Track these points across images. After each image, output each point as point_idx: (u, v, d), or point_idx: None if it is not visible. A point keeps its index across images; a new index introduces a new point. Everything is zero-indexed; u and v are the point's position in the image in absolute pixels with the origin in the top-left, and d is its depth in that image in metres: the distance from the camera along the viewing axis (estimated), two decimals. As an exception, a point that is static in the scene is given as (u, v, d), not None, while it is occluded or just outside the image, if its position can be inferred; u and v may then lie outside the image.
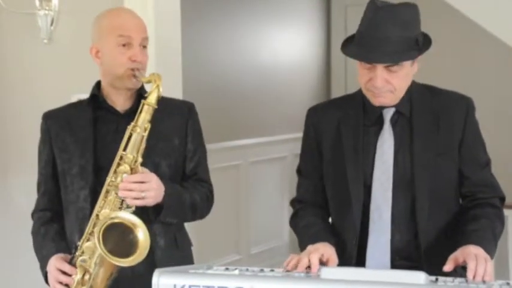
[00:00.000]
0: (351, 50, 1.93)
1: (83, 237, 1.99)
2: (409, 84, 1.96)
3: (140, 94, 2.09)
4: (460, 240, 1.87)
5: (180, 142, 2.14)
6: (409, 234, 1.96)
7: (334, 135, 2.02)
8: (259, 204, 4.88)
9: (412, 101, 1.98)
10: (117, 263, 1.90)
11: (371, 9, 1.89)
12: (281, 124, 5.16)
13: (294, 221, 2.09)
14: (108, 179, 1.98)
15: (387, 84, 1.89)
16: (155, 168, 2.05)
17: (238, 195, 4.74)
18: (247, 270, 1.74)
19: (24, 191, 3.43)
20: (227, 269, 1.76)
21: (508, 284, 1.65)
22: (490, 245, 1.86)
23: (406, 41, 1.87)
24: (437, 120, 1.98)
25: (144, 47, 2.08)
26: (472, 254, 1.77)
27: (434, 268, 1.78)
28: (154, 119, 2.02)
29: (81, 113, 2.13)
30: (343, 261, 1.90)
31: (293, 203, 2.14)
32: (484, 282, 1.70)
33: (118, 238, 1.90)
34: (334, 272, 1.68)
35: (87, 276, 1.97)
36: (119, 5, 3.01)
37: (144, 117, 1.98)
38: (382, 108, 1.97)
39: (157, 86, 1.98)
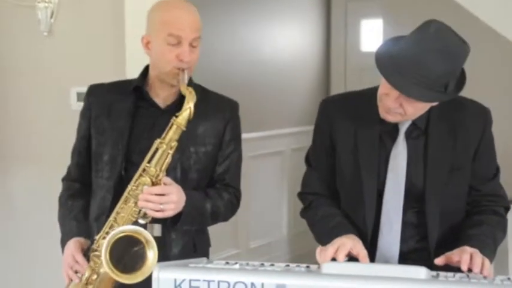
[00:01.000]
0: (386, 70, 1.79)
1: (100, 234, 1.99)
2: (415, 115, 1.88)
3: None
4: (460, 244, 1.87)
5: (213, 147, 2.13)
6: (418, 244, 1.96)
7: (350, 135, 1.97)
8: (257, 198, 4.87)
9: (430, 112, 1.91)
10: (119, 280, 1.89)
11: (425, 32, 1.77)
12: (280, 118, 5.15)
13: (308, 213, 2.06)
14: (129, 187, 1.98)
15: (399, 108, 1.83)
16: (184, 172, 2.06)
17: (238, 190, 4.73)
18: (247, 264, 1.73)
19: (25, 187, 3.43)
20: (227, 263, 1.76)
21: (509, 279, 1.65)
22: (488, 250, 1.85)
23: (443, 82, 1.76)
24: (454, 132, 1.93)
25: (195, 46, 2.04)
26: (467, 251, 1.77)
27: None
28: (193, 120, 2.01)
29: (123, 99, 2.11)
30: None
31: (303, 195, 2.11)
32: (485, 278, 1.70)
33: (126, 250, 1.89)
34: (336, 266, 1.68)
35: (94, 277, 1.98)
36: (120, -3, 3.01)
37: (171, 136, 1.98)
38: None
39: (190, 108, 1.96)
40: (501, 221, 1.99)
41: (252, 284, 1.59)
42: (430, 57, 1.73)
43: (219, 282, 1.61)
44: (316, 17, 5.70)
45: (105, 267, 1.87)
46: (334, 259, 1.77)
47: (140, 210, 1.97)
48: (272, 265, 1.73)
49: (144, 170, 1.97)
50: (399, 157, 1.93)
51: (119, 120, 2.09)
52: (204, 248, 2.23)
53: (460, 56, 1.77)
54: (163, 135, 1.98)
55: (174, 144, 1.98)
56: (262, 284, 1.59)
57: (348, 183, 1.99)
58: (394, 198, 1.93)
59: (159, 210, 1.96)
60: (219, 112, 2.15)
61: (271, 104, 5.06)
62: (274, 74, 5.11)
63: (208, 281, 1.61)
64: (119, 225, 1.96)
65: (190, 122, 2.00)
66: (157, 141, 1.98)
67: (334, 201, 2.05)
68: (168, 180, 1.99)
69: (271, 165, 5.08)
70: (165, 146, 1.97)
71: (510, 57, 4.49)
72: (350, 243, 1.81)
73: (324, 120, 2.04)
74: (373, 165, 1.94)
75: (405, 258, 1.94)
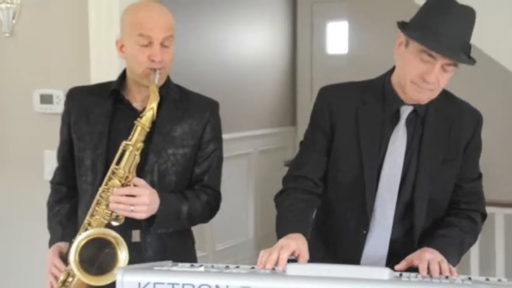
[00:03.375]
0: (421, 36, 1.83)
1: (77, 236, 1.98)
2: (440, 90, 1.93)
3: (159, 92, 2.05)
4: (426, 242, 1.89)
5: (192, 149, 2.12)
6: (404, 231, 1.98)
7: (352, 120, 1.99)
8: (224, 200, 4.85)
9: (429, 103, 1.96)
10: (90, 283, 1.91)
11: (443, 2, 1.85)
12: (247, 120, 5.16)
13: (278, 199, 2.05)
14: (100, 189, 1.99)
15: (436, 82, 1.86)
16: (161, 175, 2.06)
17: (204, 192, 4.72)
18: (212, 267, 1.73)
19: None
20: (192, 265, 1.76)
21: (469, 278, 1.68)
22: (452, 254, 1.87)
23: (468, 44, 1.86)
24: (450, 125, 1.98)
25: (167, 46, 2.02)
26: (425, 260, 1.78)
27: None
28: (171, 121, 2.04)
29: (101, 103, 2.11)
30: (347, 248, 1.97)
31: (286, 179, 2.08)
32: (447, 277, 1.72)
33: (97, 252, 1.92)
34: (300, 268, 1.68)
35: (70, 279, 1.99)
36: (82, -2, 2.98)
37: (137, 138, 1.98)
38: (400, 104, 1.96)
39: (152, 109, 1.98)
40: (474, 228, 2.01)
41: (217, 286, 1.59)
42: (459, 22, 1.83)
43: (183, 285, 1.61)
44: (282, 19, 5.73)
45: (74, 270, 1.89)
46: (293, 260, 1.76)
47: (112, 213, 1.97)
48: (237, 267, 1.73)
49: (113, 172, 1.98)
50: (398, 142, 1.96)
51: (97, 125, 2.09)
52: (185, 250, 2.20)
53: (473, 22, 1.87)
54: (130, 136, 1.99)
55: (140, 145, 1.99)
56: (227, 286, 1.59)
57: (347, 167, 2.00)
58: (389, 183, 1.95)
59: (130, 211, 1.96)
60: (198, 112, 2.14)
61: (238, 106, 5.06)
62: (240, 76, 5.12)
63: (173, 284, 1.61)
64: (93, 228, 1.97)
65: (168, 124, 2.02)
66: (124, 142, 1.99)
67: (311, 195, 2.03)
68: (140, 182, 1.99)
69: (238, 167, 5.08)
70: (132, 147, 1.98)
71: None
72: (293, 244, 1.79)
73: (324, 105, 2.03)
74: (374, 149, 1.96)
75: (391, 246, 1.97)
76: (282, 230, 1.90)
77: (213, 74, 4.80)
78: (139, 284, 1.62)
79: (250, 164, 5.18)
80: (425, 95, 1.90)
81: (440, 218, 2.01)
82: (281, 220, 1.96)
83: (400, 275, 1.69)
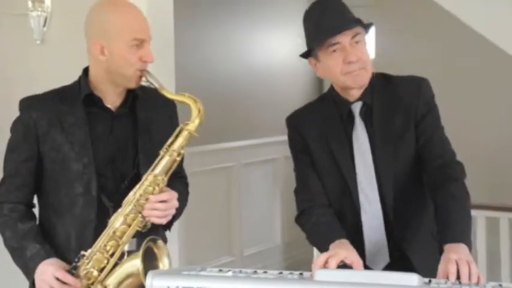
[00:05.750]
0: (314, 37, 2.03)
1: (94, 248, 1.93)
2: (371, 66, 2.07)
3: (129, 90, 2.04)
4: (441, 233, 1.93)
5: (164, 141, 2.03)
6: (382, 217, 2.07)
7: (318, 135, 2.11)
8: (251, 206, 4.87)
9: (373, 91, 2.08)
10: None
11: (309, 9, 2.08)
12: (273, 126, 5.16)
13: (301, 220, 2.12)
14: (132, 197, 1.94)
15: (358, 59, 2.00)
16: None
17: (231, 197, 4.72)
18: (240, 271, 1.73)
19: None
20: (220, 270, 1.76)
21: (500, 285, 1.66)
22: (468, 237, 1.90)
23: (351, 16, 2.06)
24: (394, 104, 2.07)
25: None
26: (452, 261, 1.77)
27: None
28: (146, 122, 2.02)
29: (71, 109, 2.02)
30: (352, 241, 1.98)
31: (298, 203, 2.16)
32: (477, 284, 1.71)
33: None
34: (328, 273, 1.68)
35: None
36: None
37: (181, 143, 1.96)
38: (350, 103, 2.08)
39: (199, 112, 1.97)
40: (464, 189, 2.00)
41: (245, 291, 1.60)
42: (328, 5, 2.05)
43: (211, 289, 1.61)
44: (308, 25, 5.72)
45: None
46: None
47: (143, 220, 1.94)
48: (265, 272, 1.73)
49: (147, 178, 1.95)
50: (361, 137, 2.07)
51: (74, 133, 2.00)
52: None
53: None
54: (171, 141, 1.95)
55: (182, 151, 1.98)
56: (255, 291, 1.60)
57: (331, 180, 2.10)
58: (366, 177, 2.05)
59: (163, 217, 1.96)
60: (163, 106, 2.11)
61: (264, 112, 5.07)
62: (267, 81, 5.13)
63: (201, 289, 1.62)
64: (121, 239, 1.93)
65: (143, 120, 2.01)
66: (166, 147, 1.95)
67: (329, 208, 2.10)
68: (167, 188, 1.98)
69: (264, 172, 5.09)
70: (175, 153, 1.95)
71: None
72: (344, 253, 1.82)
73: (293, 132, 2.18)
74: (347, 155, 2.07)
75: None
76: (320, 243, 1.99)
77: (240, 80, 4.81)
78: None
79: (276, 169, 5.17)
80: (363, 76, 2.04)
81: (412, 196, 2.07)
82: (314, 236, 2.06)
83: (430, 281, 1.67)
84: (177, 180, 2.13)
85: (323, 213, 2.06)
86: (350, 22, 2.02)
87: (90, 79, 2.05)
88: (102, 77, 2.03)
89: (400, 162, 2.06)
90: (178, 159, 1.97)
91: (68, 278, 1.91)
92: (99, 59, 2.00)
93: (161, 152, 1.96)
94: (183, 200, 2.11)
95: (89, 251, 1.94)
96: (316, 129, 2.12)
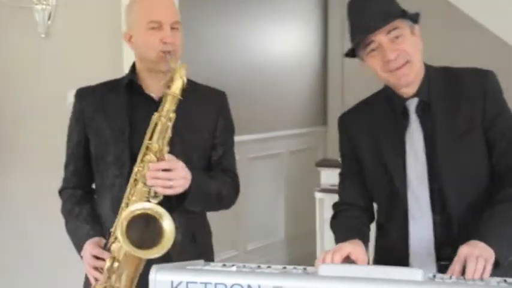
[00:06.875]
0: (352, 41, 1.94)
1: (115, 225, 1.97)
2: (420, 59, 1.94)
3: None
4: (480, 222, 1.83)
5: (209, 134, 2.15)
6: (444, 219, 1.94)
7: (369, 137, 2.02)
8: (255, 200, 4.87)
9: (430, 86, 1.96)
10: (142, 256, 1.90)
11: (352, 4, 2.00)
12: (278, 121, 5.16)
13: (333, 222, 2.08)
14: (135, 168, 1.98)
15: (399, 54, 1.88)
16: (187, 161, 2.04)
17: (235, 191, 4.73)
18: (244, 266, 1.73)
19: (23, 188, 3.43)
20: (224, 265, 1.76)
21: (505, 281, 1.65)
22: (504, 230, 1.80)
23: (392, 11, 1.91)
24: (457, 99, 1.94)
25: (176, 28, 2.06)
26: (461, 256, 1.74)
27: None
28: (186, 109, 2.03)
29: (116, 97, 2.11)
30: (394, 256, 1.93)
31: (335, 205, 2.12)
32: (481, 279, 1.70)
33: (142, 229, 1.90)
34: (332, 268, 1.68)
35: (116, 264, 1.96)
36: (116, -2, 3.01)
37: (168, 107, 1.98)
38: (404, 100, 1.96)
39: (182, 77, 1.98)
40: None
41: (249, 286, 1.60)
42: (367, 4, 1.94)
43: (215, 284, 1.61)
44: (314, 19, 5.71)
45: (125, 246, 1.87)
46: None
47: (150, 190, 1.95)
48: (269, 267, 1.73)
49: (147, 147, 1.97)
50: (415, 134, 1.95)
51: (116, 118, 2.09)
52: (206, 241, 2.23)
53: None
54: (160, 108, 1.98)
55: (173, 115, 1.98)
56: (259, 286, 1.59)
57: (380, 183, 2.01)
58: (418, 176, 1.94)
59: (169, 187, 1.95)
60: (209, 101, 2.17)
61: (269, 106, 5.06)
62: (271, 76, 5.11)
63: (205, 283, 1.62)
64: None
65: (183, 112, 2.01)
66: (155, 115, 1.98)
67: (362, 213, 2.05)
68: (170, 156, 1.98)
69: (269, 167, 5.08)
70: (164, 118, 1.97)
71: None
72: (349, 247, 1.81)
73: (344, 134, 2.10)
74: (396, 149, 1.96)
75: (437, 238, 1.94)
76: (336, 240, 1.94)
77: (244, 75, 4.80)
78: (172, 282, 1.63)
79: (281, 164, 5.17)
80: (406, 71, 1.90)
81: (476, 197, 1.93)
82: (336, 234, 1.98)
83: (434, 276, 1.67)
84: (226, 174, 2.17)
85: (351, 217, 2.02)
86: (384, 18, 1.87)
87: (137, 70, 2.14)
88: (139, 65, 2.13)
89: (463, 164, 1.92)
90: (170, 124, 1.98)
91: (104, 254, 1.99)
92: (131, 48, 2.11)
93: (153, 120, 1.98)
94: (222, 187, 2.12)
95: (113, 228, 2.00)
96: (366, 130, 2.02)
